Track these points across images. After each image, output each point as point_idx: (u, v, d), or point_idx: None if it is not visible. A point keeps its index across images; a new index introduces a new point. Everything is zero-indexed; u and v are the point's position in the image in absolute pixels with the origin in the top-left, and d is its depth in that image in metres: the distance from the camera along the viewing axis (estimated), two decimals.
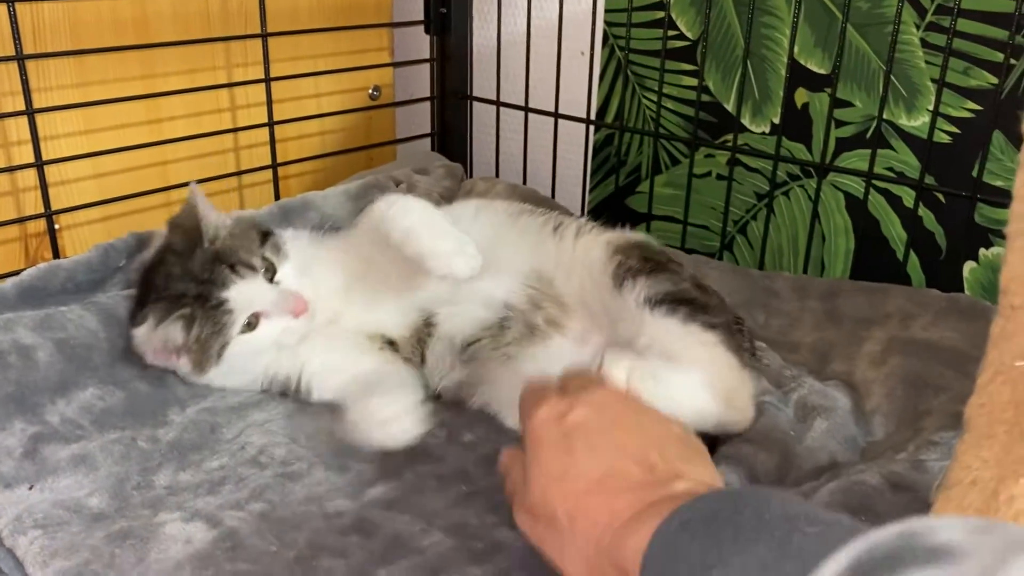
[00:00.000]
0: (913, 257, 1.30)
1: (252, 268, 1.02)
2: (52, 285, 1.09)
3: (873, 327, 1.16)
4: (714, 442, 0.97)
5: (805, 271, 1.38)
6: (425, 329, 1.07)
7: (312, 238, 1.14)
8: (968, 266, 1.27)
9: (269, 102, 1.41)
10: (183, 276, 1.01)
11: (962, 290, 1.28)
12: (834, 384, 1.08)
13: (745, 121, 1.40)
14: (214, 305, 1.00)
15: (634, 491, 0.62)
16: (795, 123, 1.35)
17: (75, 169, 1.29)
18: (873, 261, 1.33)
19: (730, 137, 1.41)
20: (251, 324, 1.02)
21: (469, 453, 1.01)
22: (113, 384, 1.03)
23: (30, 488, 0.90)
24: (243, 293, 1.01)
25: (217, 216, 1.05)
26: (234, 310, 1.00)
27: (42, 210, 1.20)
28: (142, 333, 1.01)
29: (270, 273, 1.03)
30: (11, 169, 1.20)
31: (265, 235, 1.07)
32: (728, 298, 1.15)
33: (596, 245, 1.07)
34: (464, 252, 0.98)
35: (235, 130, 1.45)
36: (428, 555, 0.83)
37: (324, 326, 1.07)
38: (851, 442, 0.99)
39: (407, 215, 1.02)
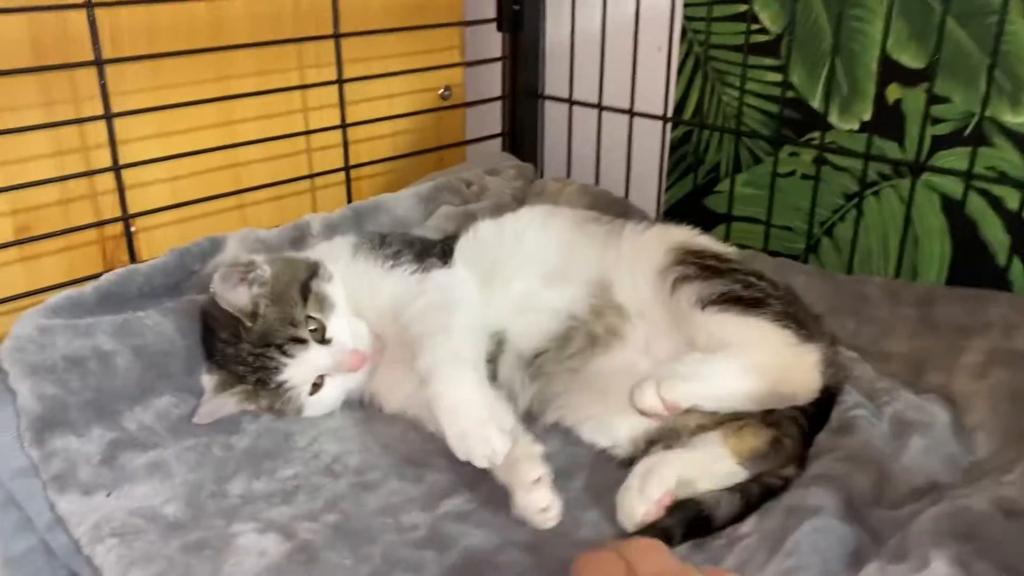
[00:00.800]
0: (1016, 263, 1.22)
1: (301, 342, 0.99)
2: (130, 290, 1.09)
3: (973, 336, 1.09)
4: (812, 434, 0.94)
5: (897, 276, 1.31)
6: (497, 347, 1.05)
7: (357, 253, 1.10)
8: None
9: (342, 104, 1.40)
10: (236, 359, 1.00)
11: None
12: (931, 398, 1.02)
13: (832, 118, 1.33)
14: (275, 387, 1.00)
15: None
16: (887, 120, 1.28)
17: (150, 172, 1.30)
18: (971, 266, 1.25)
19: (816, 135, 1.34)
20: (317, 384, 1.02)
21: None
22: (188, 392, 1.03)
23: (107, 495, 0.90)
24: (298, 371, 0.99)
25: (248, 292, 1.00)
26: (295, 386, 1.00)
27: (118, 213, 1.21)
28: (209, 403, 1.01)
29: (320, 333, 1.01)
30: (91, 173, 1.22)
31: (306, 285, 1.02)
32: (815, 305, 1.10)
33: (657, 251, 1.05)
34: (486, 442, 0.87)
35: (308, 132, 1.44)
36: (507, 574, 0.80)
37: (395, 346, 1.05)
38: (951, 461, 0.93)
39: (435, 399, 0.90)
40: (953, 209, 1.25)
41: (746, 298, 0.97)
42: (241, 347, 1.00)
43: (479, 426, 0.86)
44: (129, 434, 0.96)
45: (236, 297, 1.00)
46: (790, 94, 1.36)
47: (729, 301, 0.96)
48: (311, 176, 1.47)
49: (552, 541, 0.85)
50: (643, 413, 0.90)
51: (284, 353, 0.99)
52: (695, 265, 1.01)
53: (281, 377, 0.99)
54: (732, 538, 0.83)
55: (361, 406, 1.06)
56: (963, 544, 0.74)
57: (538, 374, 1.04)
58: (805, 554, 0.76)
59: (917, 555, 0.74)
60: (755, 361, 0.92)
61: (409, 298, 1.02)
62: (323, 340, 1.01)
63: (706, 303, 0.96)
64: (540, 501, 0.86)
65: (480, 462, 0.86)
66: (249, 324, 0.99)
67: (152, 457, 0.95)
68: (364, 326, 1.04)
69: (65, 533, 0.87)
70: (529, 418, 1.03)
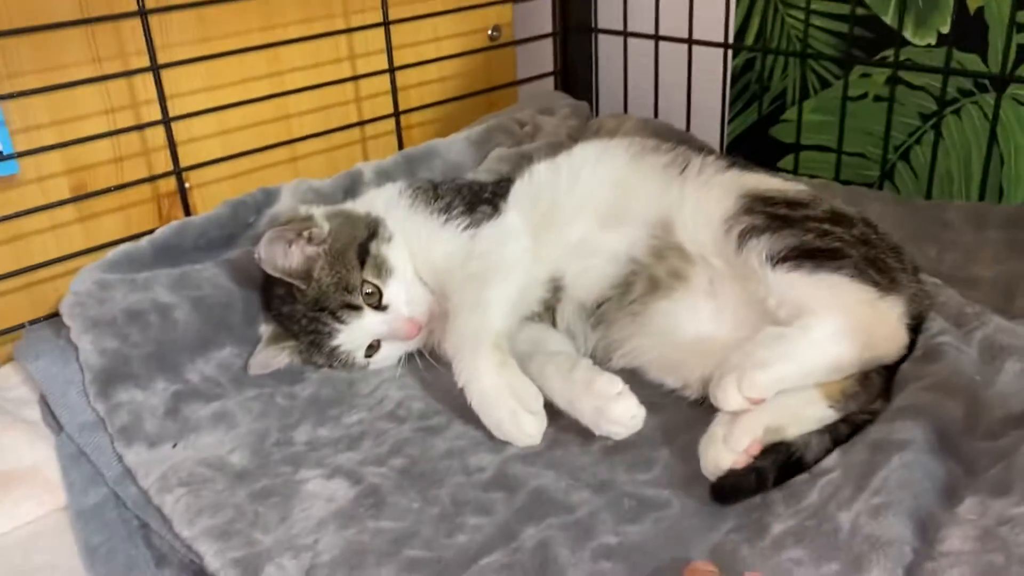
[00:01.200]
0: None
1: (355, 308, 0.97)
2: (185, 242, 1.08)
3: None
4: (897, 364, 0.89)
5: (981, 199, 1.23)
6: (554, 296, 1.01)
7: (414, 206, 1.07)
8: None
9: (388, 46, 1.36)
10: (290, 317, 0.99)
11: None
12: None
13: (907, 34, 1.25)
14: (329, 351, 0.99)
15: None
16: (968, 31, 1.19)
17: (200, 126, 1.28)
18: None
19: (889, 53, 1.26)
20: (373, 346, 1.00)
21: None
22: (250, 343, 1.03)
23: (173, 446, 0.90)
24: (351, 337, 0.98)
25: (301, 252, 0.98)
26: (349, 351, 0.99)
27: (171, 168, 1.19)
28: (260, 354, 1.00)
29: (376, 298, 0.98)
30: (142, 127, 1.20)
31: (365, 247, 0.99)
32: (892, 233, 1.03)
33: (723, 193, 0.96)
34: (515, 426, 0.87)
35: (356, 78, 1.41)
36: (578, 514, 0.78)
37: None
38: None
39: (468, 394, 0.90)
40: None
41: (822, 250, 0.89)
42: (296, 308, 0.98)
43: (510, 416, 0.87)
44: (192, 386, 0.96)
45: (285, 261, 0.97)
46: (860, 11, 1.28)
47: (803, 256, 0.88)
48: (361, 123, 1.44)
49: (621, 478, 0.83)
50: (731, 412, 0.84)
51: (337, 319, 0.97)
52: (764, 215, 0.93)
53: (334, 342, 0.98)
54: (815, 473, 0.79)
55: (421, 356, 1.03)
56: None
57: (600, 322, 1.00)
58: (893, 491, 0.71)
59: (1022, 488, 0.69)
60: (835, 328, 0.84)
61: (459, 260, 1.00)
62: (379, 306, 0.98)
63: (776, 260, 0.88)
64: (629, 409, 0.85)
65: (522, 443, 0.88)
66: (303, 287, 0.97)
67: (216, 408, 0.95)
68: (422, 291, 1.01)
69: (134, 484, 0.88)
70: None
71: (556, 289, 1.01)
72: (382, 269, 0.99)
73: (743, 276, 0.92)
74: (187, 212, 1.24)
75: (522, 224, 1.03)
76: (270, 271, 0.96)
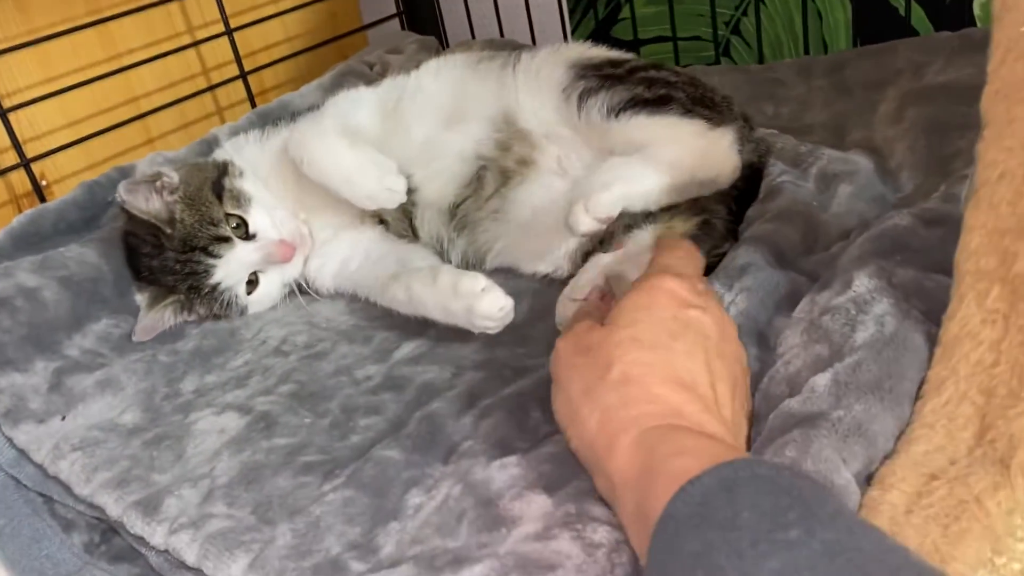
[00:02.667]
0: (917, 8, 1.21)
1: (224, 240, 0.97)
2: (44, 228, 1.07)
3: (886, 87, 1.09)
4: (742, 210, 0.95)
5: (807, 54, 1.30)
6: (411, 204, 1.04)
7: (264, 137, 1.09)
8: (978, 0, 1.18)
9: (221, 8, 1.36)
10: (163, 269, 0.98)
11: None
12: (855, 151, 1.02)
13: None
14: (208, 291, 0.99)
15: (697, 412, 0.58)
16: None
17: (45, 119, 1.27)
18: (876, 26, 1.25)
19: None
20: (252, 282, 1.01)
21: None
22: (126, 312, 1.02)
23: (62, 419, 0.90)
24: (228, 270, 0.98)
25: (160, 200, 0.98)
26: (230, 287, 0.99)
27: (18, 162, 1.18)
28: (144, 319, 1.00)
29: (243, 229, 0.99)
30: None
31: (219, 183, 1.00)
32: (732, 97, 1.09)
33: (554, 70, 1.02)
34: (382, 187, 0.93)
35: (192, 45, 1.40)
36: (461, 390, 0.81)
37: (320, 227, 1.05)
38: (880, 201, 0.94)
39: (314, 165, 0.95)
40: None
41: (651, 98, 0.96)
42: (166, 257, 0.98)
43: (378, 181, 0.92)
44: (73, 360, 0.96)
45: (148, 204, 0.98)
46: None
47: (637, 104, 0.95)
48: (208, 89, 1.43)
49: (501, 355, 0.86)
50: (584, 236, 0.90)
51: (210, 254, 0.97)
52: (596, 76, 0.99)
53: (212, 280, 0.98)
54: None
55: (300, 293, 1.05)
56: (886, 259, 0.75)
57: (463, 225, 1.03)
58: (733, 316, 0.77)
59: (842, 279, 0.74)
60: (670, 155, 0.91)
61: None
62: (247, 236, 0.99)
63: (615, 111, 0.95)
64: (496, 301, 0.84)
65: (373, 198, 0.92)
66: (169, 231, 0.97)
67: (99, 376, 0.94)
68: (285, 213, 1.02)
69: (30, 463, 0.87)
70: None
71: (410, 191, 1.03)
72: (240, 199, 0.99)
73: (586, 137, 0.98)
74: None
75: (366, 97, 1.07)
76: (138, 213, 0.97)
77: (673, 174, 0.90)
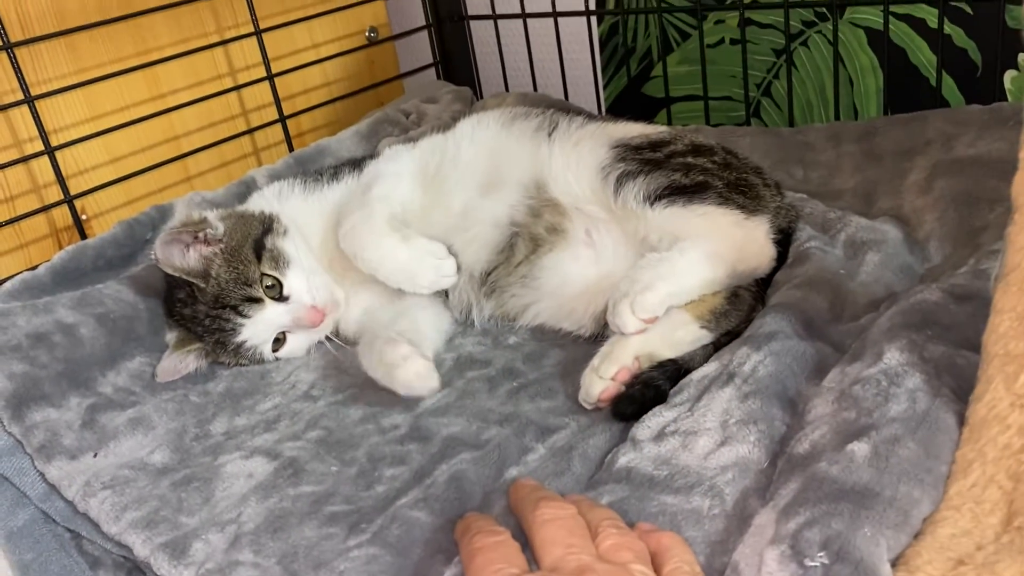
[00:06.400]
0: (948, 79, 1.23)
1: (256, 301, 0.99)
2: (84, 264, 1.10)
3: (915, 156, 1.11)
4: (770, 277, 0.96)
5: (837, 119, 1.32)
6: None
7: (306, 191, 1.10)
8: (1009, 75, 1.19)
9: (263, 53, 1.39)
10: (193, 319, 1.00)
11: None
12: (883, 219, 1.03)
13: None
14: (234, 348, 1.01)
15: None
16: None
17: (88, 156, 1.30)
18: (906, 94, 1.26)
19: None
20: (279, 340, 1.02)
21: (515, 353, 1.00)
22: (159, 351, 1.04)
23: (94, 456, 0.91)
24: (256, 331, 1.00)
25: (198, 253, 1.00)
26: (255, 345, 1.01)
27: (62, 198, 1.21)
28: (165, 360, 1.01)
29: (277, 290, 1.00)
30: (22, 160, 1.21)
31: (260, 242, 1.01)
32: (761, 161, 1.10)
33: (593, 146, 1.02)
34: (422, 272, 0.98)
35: (235, 88, 1.44)
36: (487, 448, 0.82)
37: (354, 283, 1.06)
38: (908, 271, 0.95)
39: (371, 261, 0.99)
40: (878, 41, 1.26)
41: (689, 186, 0.96)
42: (197, 308, 1.00)
43: (419, 262, 0.97)
44: (106, 397, 0.97)
45: (184, 260, 0.99)
46: None
47: (674, 193, 0.95)
48: (248, 132, 1.46)
49: (526, 410, 0.87)
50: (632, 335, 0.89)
51: (240, 314, 0.98)
52: (636, 160, 0.99)
53: (239, 339, 1.00)
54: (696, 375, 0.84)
55: (330, 340, 1.06)
56: (917, 332, 0.76)
57: (492, 290, 1.04)
58: (761, 378, 0.78)
59: (873, 352, 0.75)
60: (709, 249, 0.91)
61: (351, 197, 1.04)
62: (281, 297, 1.00)
63: (652, 199, 0.95)
64: (414, 368, 0.88)
65: (431, 287, 0.98)
66: (203, 286, 0.99)
67: (132, 414, 0.96)
68: (323, 278, 1.04)
69: (60, 499, 0.89)
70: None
71: None
72: (279, 261, 1.00)
73: (620, 218, 0.98)
74: None
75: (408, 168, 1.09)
76: (169, 271, 0.98)
77: (712, 268, 0.90)
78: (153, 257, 0.98)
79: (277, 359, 1.04)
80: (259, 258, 1.00)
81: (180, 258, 0.99)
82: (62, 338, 0.99)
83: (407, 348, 0.90)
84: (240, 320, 0.99)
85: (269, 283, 1.00)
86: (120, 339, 1.03)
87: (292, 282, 1.01)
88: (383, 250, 0.98)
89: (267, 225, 1.04)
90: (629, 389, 0.85)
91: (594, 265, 1.00)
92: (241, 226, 1.04)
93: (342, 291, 1.05)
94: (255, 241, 1.02)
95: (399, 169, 1.07)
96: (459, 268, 1.02)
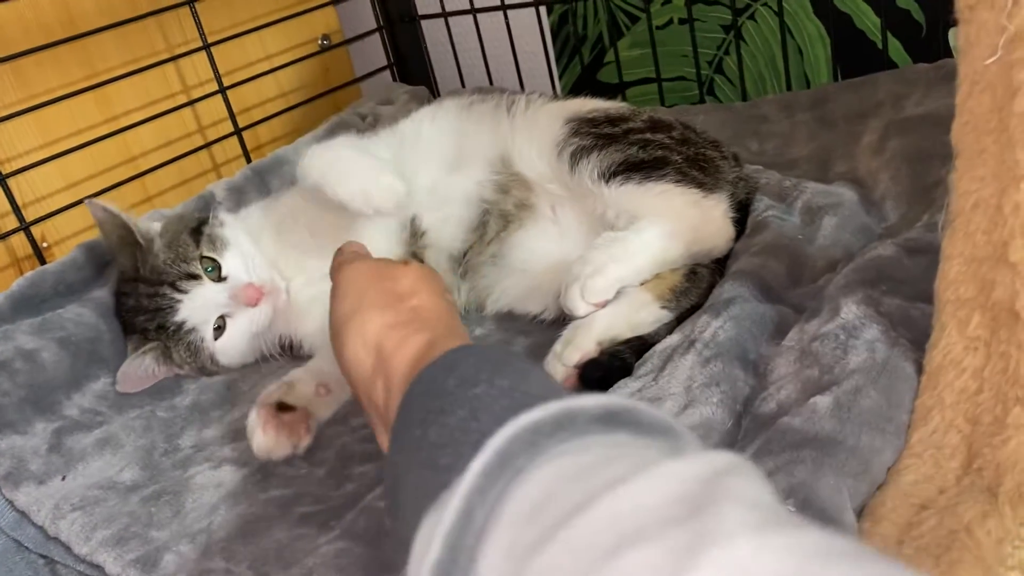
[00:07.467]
0: (894, 41, 1.23)
1: (194, 277, 0.98)
2: (44, 290, 1.08)
3: (868, 119, 1.11)
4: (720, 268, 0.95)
5: (789, 89, 1.32)
6: (416, 242, 1.05)
7: (268, 202, 1.11)
8: (952, 32, 1.19)
9: (213, 66, 1.38)
10: (137, 309, 1.00)
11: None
12: (838, 183, 1.03)
13: None
14: (175, 330, 0.99)
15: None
16: None
17: (45, 183, 1.29)
18: (855, 59, 1.27)
19: None
20: (220, 327, 1.00)
21: (482, 343, 0.99)
22: None
23: (63, 479, 0.90)
24: (194, 308, 0.98)
25: (145, 226, 1.02)
26: (196, 327, 0.99)
27: (17, 226, 1.19)
28: (123, 366, 1.00)
29: (215, 270, 0.99)
30: None
31: (198, 230, 1.01)
32: (717, 135, 1.10)
33: (550, 121, 1.01)
34: (378, 185, 0.93)
35: (187, 104, 1.43)
36: None
37: (303, 285, 1.05)
38: (865, 231, 0.95)
39: (315, 167, 0.97)
40: (824, 8, 1.26)
41: (646, 160, 0.95)
42: (139, 291, 0.99)
43: (374, 175, 0.93)
44: (72, 419, 0.96)
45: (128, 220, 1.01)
46: None
47: (630, 169, 0.94)
48: (204, 147, 1.45)
49: None
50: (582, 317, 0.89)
51: (177, 289, 0.98)
52: (591, 135, 0.98)
53: (177, 317, 0.98)
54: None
55: (291, 352, 1.05)
56: (872, 288, 0.76)
57: (466, 271, 1.04)
58: (721, 342, 0.78)
59: (830, 308, 0.75)
60: (666, 229, 0.90)
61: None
62: (220, 279, 0.99)
63: (607, 176, 0.94)
64: (256, 439, 0.85)
65: (376, 198, 0.91)
66: (144, 262, 0.99)
67: (99, 434, 0.95)
68: (263, 261, 1.03)
69: (31, 525, 0.87)
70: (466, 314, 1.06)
71: (416, 234, 1.04)
72: (217, 243, 1.00)
73: (579, 195, 0.98)
74: None
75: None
76: (123, 221, 1.00)
77: (668, 249, 0.90)
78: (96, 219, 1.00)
79: (217, 352, 1.01)
80: (197, 243, 1.00)
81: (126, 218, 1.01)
82: (23, 364, 0.98)
83: (253, 416, 0.87)
84: (177, 296, 0.97)
85: (208, 267, 0.99)
86: (84, 361, 1.02)
87: (230, 262, 1.00)
88: (327, 151, 0.98)
89: (203, 219, 1.04)
90: (598, 356, 0.84)
91: (559, 242, 1.00)
92: (178, 220, 1.05)
93: (284, 284, 1.04)
94: (192, 230, 1.02)
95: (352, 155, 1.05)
96: (421, 237, 1.03)
